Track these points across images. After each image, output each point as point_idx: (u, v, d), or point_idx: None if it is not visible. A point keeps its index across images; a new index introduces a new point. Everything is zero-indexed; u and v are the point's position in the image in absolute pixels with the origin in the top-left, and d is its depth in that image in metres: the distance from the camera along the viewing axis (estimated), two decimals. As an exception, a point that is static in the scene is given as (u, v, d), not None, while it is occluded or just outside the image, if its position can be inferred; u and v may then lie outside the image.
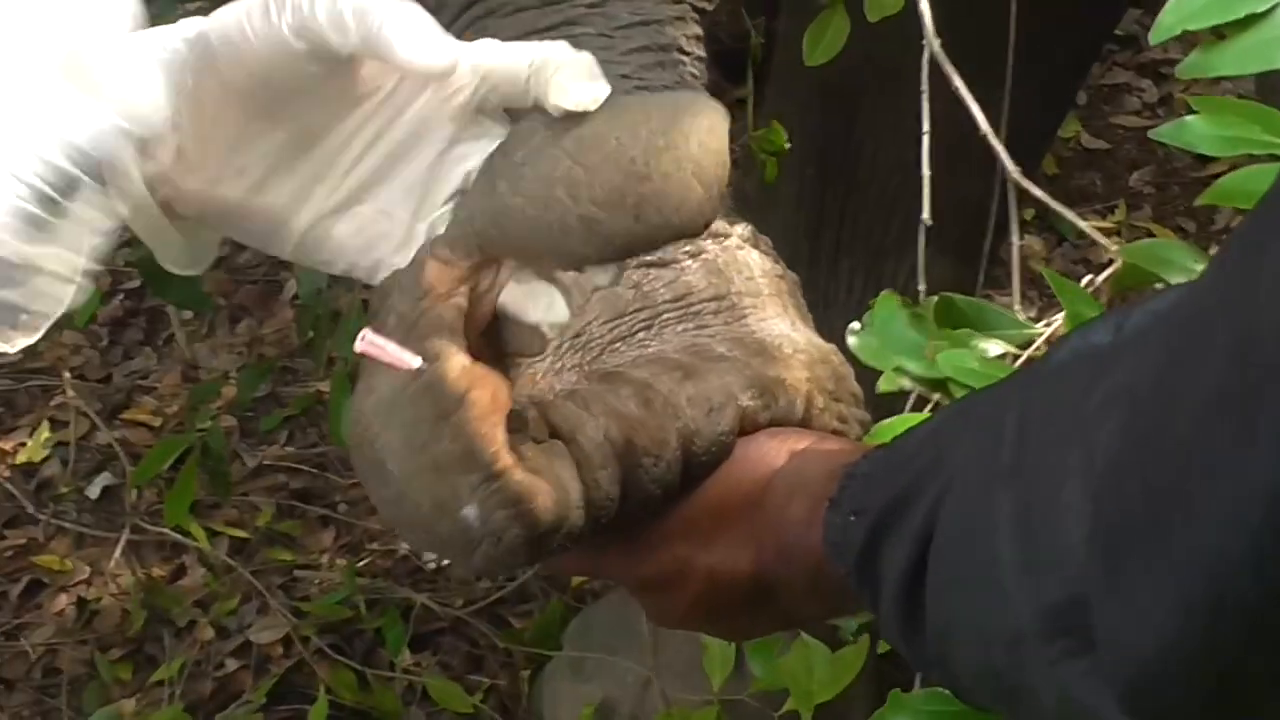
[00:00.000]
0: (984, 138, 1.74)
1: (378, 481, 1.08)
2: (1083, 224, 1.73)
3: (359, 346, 1.04)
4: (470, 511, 1.04)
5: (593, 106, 1.07)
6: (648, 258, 1.22)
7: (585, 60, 1.10)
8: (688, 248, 1.24)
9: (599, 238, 1.07)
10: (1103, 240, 1.56)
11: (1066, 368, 0.93)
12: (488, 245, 1.09)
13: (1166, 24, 1.26)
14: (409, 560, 3.64)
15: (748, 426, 1.15)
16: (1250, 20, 1.21)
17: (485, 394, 1.04)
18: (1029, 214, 3.81)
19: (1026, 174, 1.75)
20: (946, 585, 0.96)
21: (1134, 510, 0.81)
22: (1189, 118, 1.31)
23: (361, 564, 3.66)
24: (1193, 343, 0.80)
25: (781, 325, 1.22)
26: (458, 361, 1.05)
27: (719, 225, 1.27)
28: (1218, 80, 2.71)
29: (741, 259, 1.24)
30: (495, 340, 1.15)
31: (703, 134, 1.06)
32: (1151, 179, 4.15)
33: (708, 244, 1.24)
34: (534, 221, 1.07)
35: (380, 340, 1.05)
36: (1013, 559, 0.89)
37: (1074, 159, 4.24)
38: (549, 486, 1.06)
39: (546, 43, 1.11)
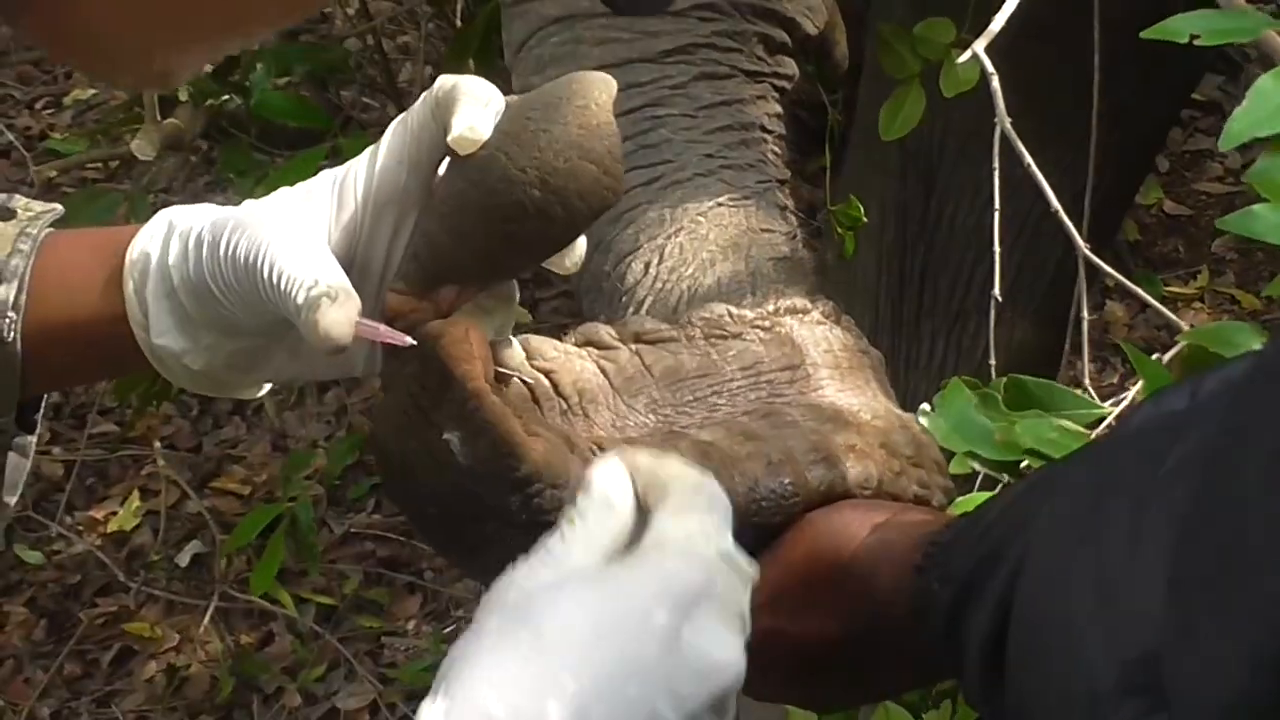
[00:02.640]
0: (1063, 198, 1.76)
1: (385, 468, 1.15)
2: (1151, 301, 1.75)
3: (358, 330, 1.08)
4: (451, 436, 1.09)
5: (476, 135, 1.10)
6: (716, 330, 1.25)
7: (473, 88, 1.12)
8: (760, 322, 1.27)
9: (518, 247, 1.12)
10: (1171, 316, 1.58)
11: (1143, 433, 0.95)
12: (432, 275, 1.13)
13: (1236, 131, 1.29)
14: (494, 627, 3.66)
15: (825, 494, 1.18)
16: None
17: (467, 346, 1.09)
18: (1111, 280, 3.81)
19: (1106, 240, 1.77)
20: (1026, 647, 0.98)
21: (1206, 567, 0.83)
22: (1256, 207, 1.33)
23: (447, 630, 3.69)
24: (1260, 403, 0.82)
25: (860, 397, 1.24)
26: (437, 325, 1.11)
27: (799, 302, 1.30)
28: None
29: (820, 334, 1.27)
30: None
31: (579, 116, 1.09)
32: (1234, 245, 4.14)
33: (785, 318, 1.27)
34: (457, 250, 1.11)
35: (372, 323, 1.10)
36: (1090, 619, 0.91)
37: (1156, 225, 4.24)
38: (543, 438, 1.11)
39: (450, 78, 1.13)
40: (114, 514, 4.08)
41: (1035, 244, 2.68)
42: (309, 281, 1.08)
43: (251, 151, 2.88)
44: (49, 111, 4.93)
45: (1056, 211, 1.67)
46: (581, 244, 1.16)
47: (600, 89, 1.11)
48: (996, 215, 1.76)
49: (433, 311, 1.12)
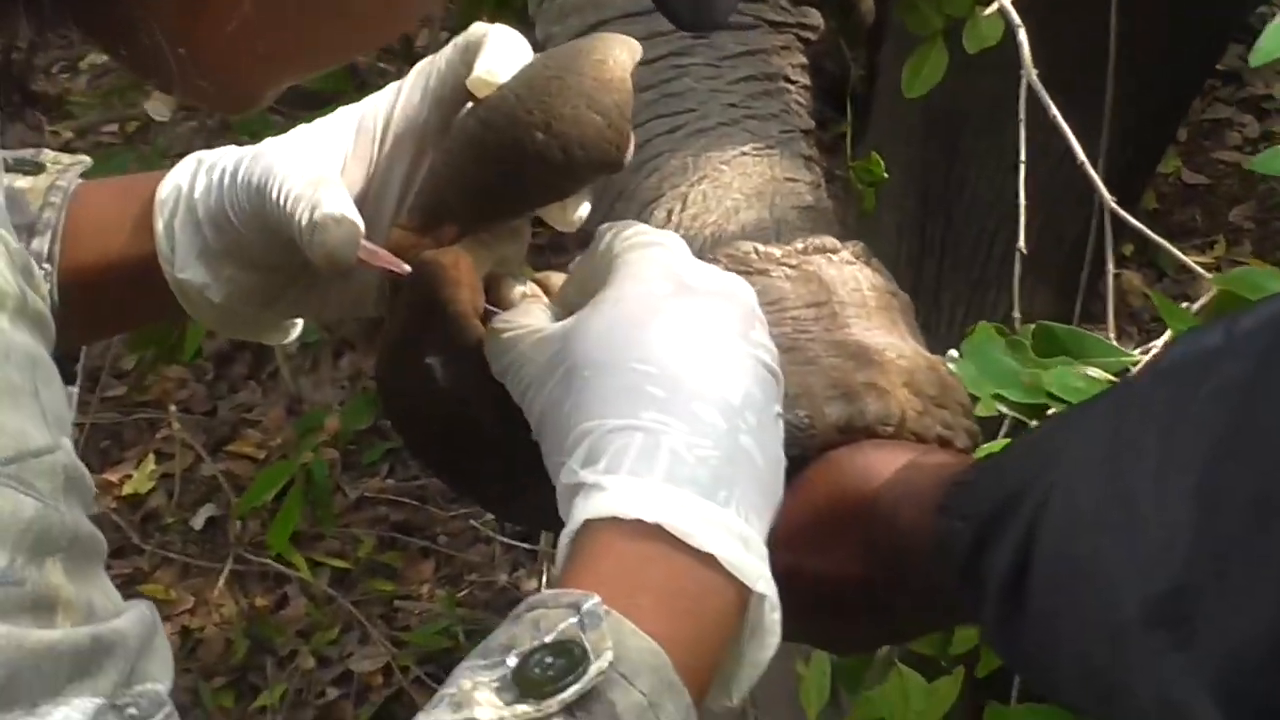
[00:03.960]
0: (1083, 169, 1.76)
1: (381, 396, 1.17)
2: (1181, 256, 1.74)
3: (361, 254, 1.10)
4: (434, 360, 1.11)
5: (493, 78, 1.11)
6: (741, 266, 1.26)
7: (502, 36, 1.13)
8: (787, 260, 1.27)
9: (517, 188, 1.13)
10: (1200, 270, 1.57)
11: (1177, 368, 0.94)
12: (434, 211, 1.14)
13: (1266, 49, 1.28)
14: (508, 591, 3.67)
15: (844, 429, 1.18)
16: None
17: (455, 273, 1.11)
18: (1128, 249, 3.81)
19: (1126, 208, 1.76)
20: (1051, 583, 0.98)
21: (1238, 499, 0.83)
22: (1280, 147, 1.32)
23: (461, 595, 3.70)
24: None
25: (886, 336, 1.24)
26: (430, 253, 1.12)
27: (828, 241, 1.30)
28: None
29: (849, 273, 1.27)
30: None
31: (595, 69, 1.10)
32: (1252, 214, 4.14)
33: (813, 257, 1.27)
34: (458, 186, 1.13)
35: (373, 247, 1.12)
36: (1117, 551, 0.91)
37: (1174, 194, 4.24)
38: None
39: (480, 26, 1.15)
40: (129, 477, 4.09)
41: (1056, 213, 2.68)
42: (314, 203, 1.10)
43: (268, 113, 2.88)
44: (65, 75, 4.93)
45: (1081, 164, 1.66)
46: (584, 202, 1.17)
47: (621, 48, 1.12)
48: (1022, 169, 1.75)
49: (433, 246, 1.12)
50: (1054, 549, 0.98)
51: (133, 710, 0.80)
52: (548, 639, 0.90)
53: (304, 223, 1.09)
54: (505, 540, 3.76)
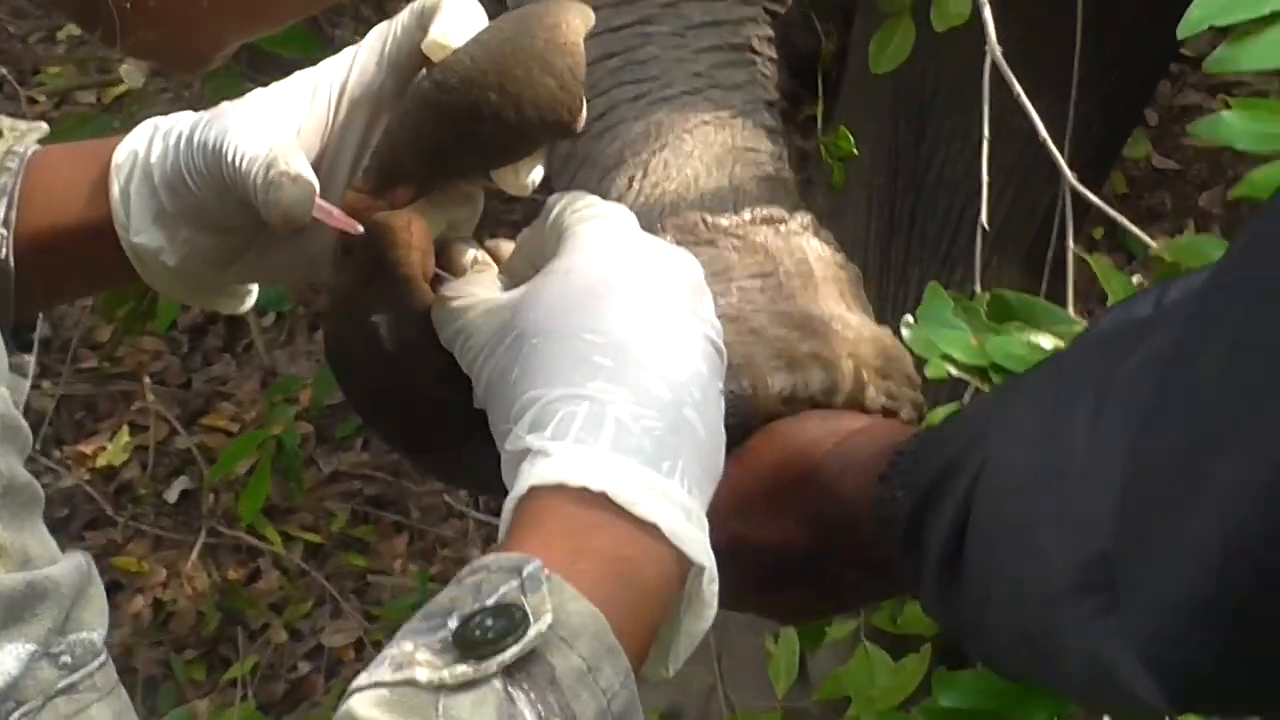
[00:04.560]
0: (1046, 146, 1.77)
1: (328, 354, 1.18)
2: (1146, 237, 1.75)
3: (315, 213, 1.12)
4: (380, 319, 1.12)
5: (447, 41, 1.13)
6: (689, 236, 1.27)
7: (458, 2, 1.15)
8: (735, 230, 1.29)
9: (471, 149, 1.14)
10: (1152, 243, 1.58)
11: (1108, 336, 0.96)
12: (389, 173, 1.15)
13: (1195, 19, 1.29)
14: (480, 566, 3.68)
15: (787, 399, 1.19)
16: (1276, 17, 1.24)
17: (405, 235, 1.12)
18: (1098, 233, 3.82)
19: (1093, 189, 1.77)
20: (985, 547, 0.99)
21: (1161, 465, 0.84)
22: (1225, 113, 1.33)
23: (434, 570, 3.71)
24: (1218, 303, 0.83)
25: (833, 307, 1.25)
26: (382, 214, 1.13)
27: (775, 212, 1.31)
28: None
29: (796, 244, 1.28)
30: None
31: (549, 32, 1.11)
32: (1221, 200, 4.15)
33: (760, 227, 1.28)
34: (414, 147, 1.14)
35: (328, 206, 1.13)
36: (1048, 517, 0.92)
37: (1144, 179, 4.25)
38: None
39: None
40: (103, 449, 4.09)
41: (1023, 192, 2.70)
42: (269, 161, 1.11)
43: (242, 80, 2.88)
44: (42, 45, 4.93)
45: (1044, 143, 1.67)
46: (537, 166, 1.17)
47: (576, 14, 1.13)
48: (985, 145, 1.77)
49: (387, 208, 1.14)
50: (989, 516, 1.00)
51: (66, 658, 0.81)
52: (489, 602, 0.91)
53: (259, 181, 1.10)
54: (478, 515, 3.77)
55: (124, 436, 4.10)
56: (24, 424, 0.85)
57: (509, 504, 0.98)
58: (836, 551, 1.17)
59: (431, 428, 1.17)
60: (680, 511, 0.98)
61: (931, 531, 1.05)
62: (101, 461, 4.08)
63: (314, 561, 3.81)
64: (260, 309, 3.88)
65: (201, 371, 4.28)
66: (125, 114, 3.41)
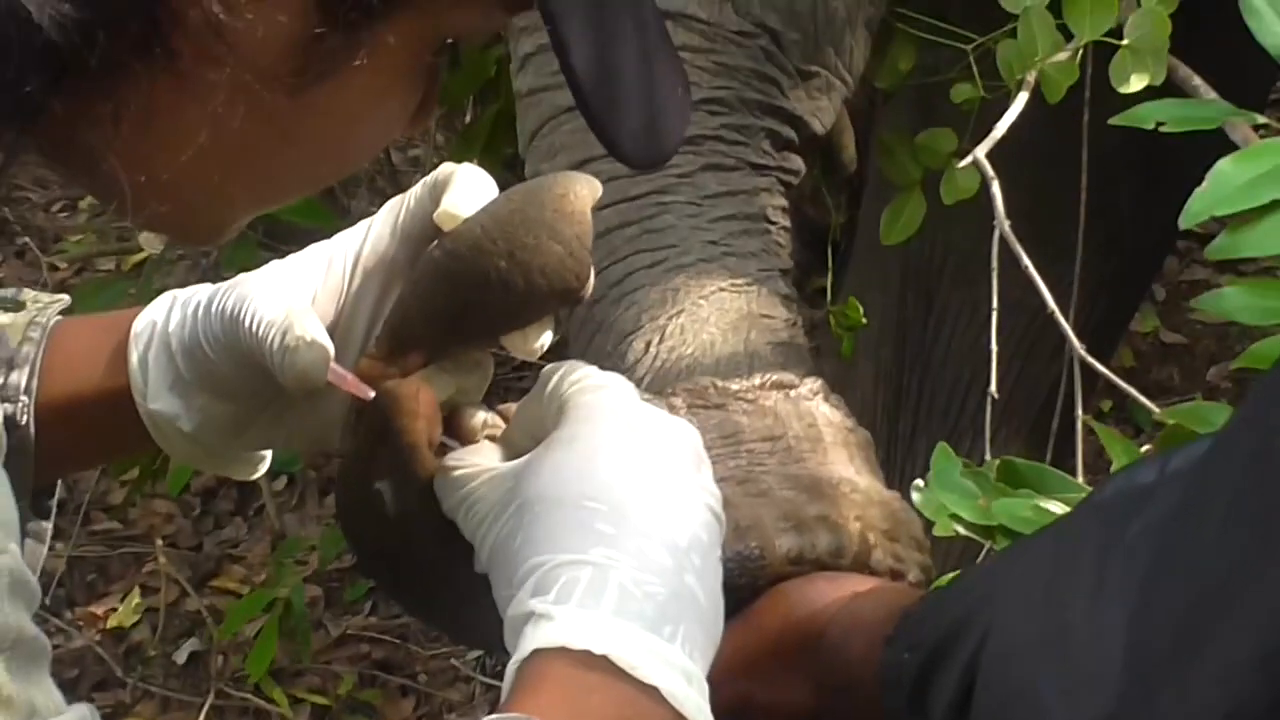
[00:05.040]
0: (1054, 317, 1.79)
1: (339, 518, 1.21)
2: (1152, 406, 1.77)
3: (330, 377, 1.14)
4: (383, 485, 1.14)
5: (457, 211, 1.16)
6: (699, 400, 1.30)
7: (468, 175, 1.18)
8: (745, 394, 1.31)
9: (480, 316, 1.16)
10: (1157, 411, 1.60)
11: (1111, 503, 0.98)
12: (401, 340, 1.17)
13: (1195, 210, 1.33)
14: (487, 732, 3.67)
15: (795, 561, 1.21)
16: (1275, 205, 1.27)
17: (411, 403, 1.14)
18: (1106, 405, 3.83)
19: (1101, 362, 1.79)
20: (990, 712, 1.01)
21: (1163, 628, 0.86)
22: (1227, 289, 1.36)
23: (440, 734, 3.71)
24: (1217, 473, 0.86)
25: (841, 470, 1.28)
26: (391, 382, 1.15)
27: (785, 377, 1.34)
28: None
29: (805, 408, 1.31)
30: None
31: (557, 202, 1.14)
32: (1229, 374, 4.17)
33: (770, 392, 1.31)
34: (425, 314, 1.16)
35: (342, 371, 1.16)
36: (1051, 681, 0.94)
37: (1152, 353, 4.28)
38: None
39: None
40: (114, 610, 4.09)
41: (1029, 365, 2.71)
42: (285, 327, 1.14)
43: (258, 249, 2.93)
44: (64, 214, 4.99)
45: (1053, 313, 1.69)
46: (546, 331, 1.19)
47: (583, 184, 1.16)
48: (994, 315, 1.79)
49: (399, 374, 1.16)
50: (994, 679, 1.01)
51: None
52: None
53: (275, 345, 1.13)
54: (485, 680, 3.77)
55: (135, 598, 4.10)
56: (33, 580, 0.87)
57: (511, 666, 1.00)
58: (842, 713, 1.19)
59: (435, 590, 1.19)
60: (681, 675, 1.00)
61: (938, 694, 1.07)
62: (112, 623, 4.08)
63: (321, 725, 3.80)
64: (272, 472, 3.90)
65: (213, 534, 4.29)
66: (144, 280, 3.46)
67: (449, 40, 1.07)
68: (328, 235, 1.24)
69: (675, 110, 1.11)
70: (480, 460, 1.13)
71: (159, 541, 4.16)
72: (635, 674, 0.98)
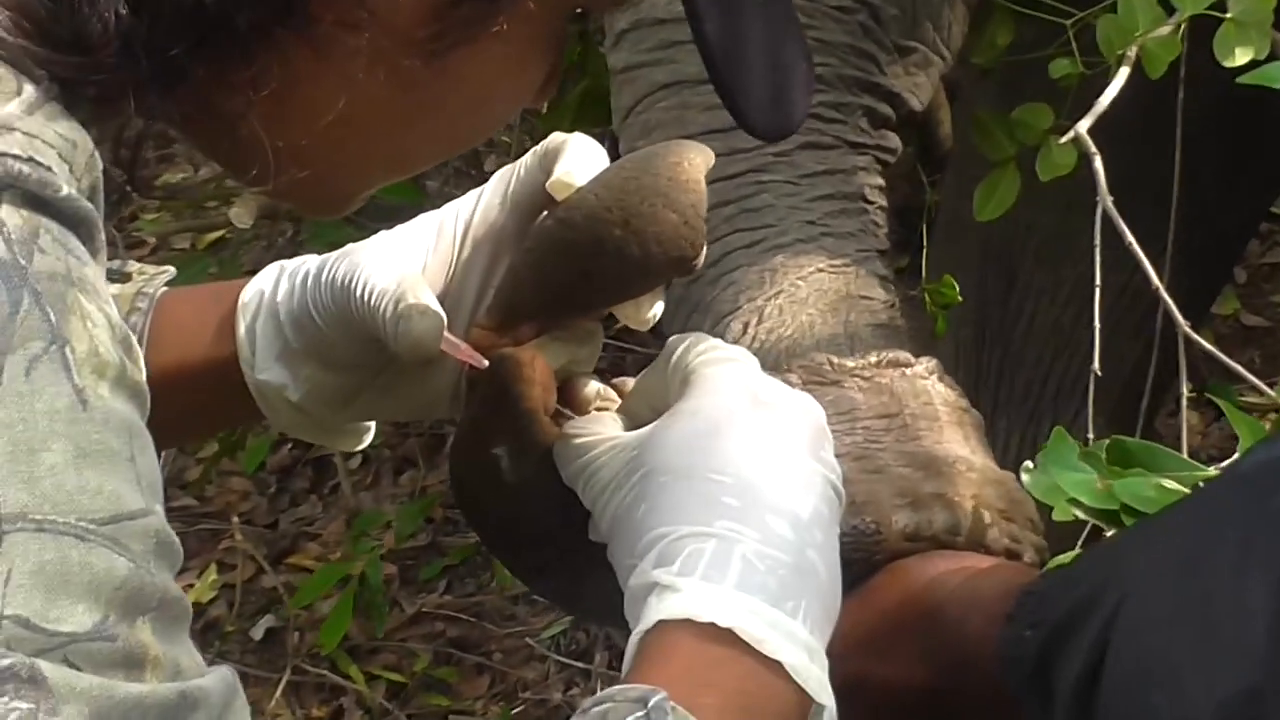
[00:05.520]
0: (1142, 302, 1.78)
1: (455, 489, 1.21)
2: (1257, 383, 1.76)
3: (443, 346, 1.14)
4: (501, 452, 1.14)
5: (571, 180, 1.15)
6: (815, 377, 1.29)
7: (580, 144, 1.18)
8: (860, 371, 1.31)
9: (594, 285, 1.16)
10: (1270, 391, 1.58)
11: (1255, 472, 0.97)
12: (513, 310, 1.17)
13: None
14: (561, 709, 3.68)
15: (911, 538, 1.21)
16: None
17: (529, 370, 1.14)
18: (1188, 388, 3.80)
19: (1186, 343, 1.78)
20: (1123, 687, 1.00)
21: None
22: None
23: (515, 711, 3.71)
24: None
25: (957, 449, 1.27)
26: (506, 350, 1.16)
27: (901, 355, 1.34)
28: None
29: (921, 386, 1.31)
30: None
31: (671, 170, 1.13)
32: (1312, 355, 4.15)
33: (886, 370, 1.31)
34: (537, 284, 1.16)
35: (455, 339, 1.16)
36: (1191, 652, 0.93)
37: (1233, 335, 4.24)
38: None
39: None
40: (191, 586, 4.11)
41: (1113, 345, 2.69)
42: (399, 295, 1.14)
43: (343, 224, 2.93)
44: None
45: (1156, 289, 1.68)
46: (659, 301, 1.20)
47: (697, 152, 1.16)
48: (1097, 293, 1.77)
49: (511, 344, 1.16)
50: (1127, 653, 1.00)
51: None
52: None
53: (389, 314, 1.14)
54: (559, 659, 3.78)
55: (211, 574, 4.12)
56: (176, 541, 0.87)
57: (635, 637, 1.00)
58: (958, 691, 1.19)
59: (548, 557, 1.19)
60: (804, 651, 1.00)
61: (1062, 671, 1.06)
62: (190, 599, 4.09)
63: (396, 701, 3.80)
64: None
65: (289, 512, 4.30)
66: (222, 258, 3.47)
67: (579, 9, 1.07)
68: (412, 213, 1.24)
69: (800, 82, 1.10)
70: (603, 430, 1.13)
71: (235, 519, 4.18)
72: (761, 648, 0.98)
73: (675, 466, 1.05)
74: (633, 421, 1.14)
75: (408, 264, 1.19)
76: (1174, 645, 0.94)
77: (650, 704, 0.94)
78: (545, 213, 1.18)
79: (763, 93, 1.08)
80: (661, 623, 0.99)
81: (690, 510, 1.03)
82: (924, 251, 2.33)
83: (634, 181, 1.14)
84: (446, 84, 1.02)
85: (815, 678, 0.99)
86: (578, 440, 1.12)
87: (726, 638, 0.98)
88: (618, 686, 0.97)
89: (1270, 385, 3.94)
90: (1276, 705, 0.87)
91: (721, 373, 1.11)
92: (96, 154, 0.91)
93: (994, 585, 1.17)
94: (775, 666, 0.98)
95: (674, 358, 1.14)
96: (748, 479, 1.03)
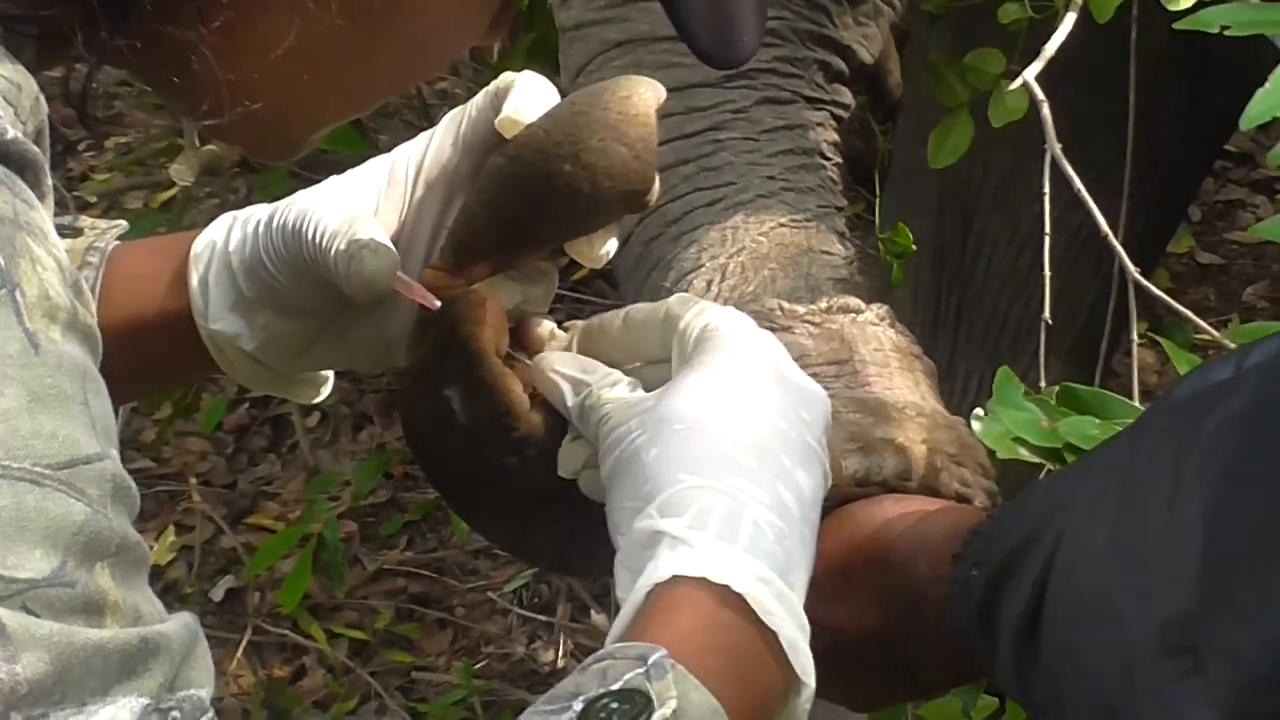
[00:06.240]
0: (1099, 242, 1.78)
1: (405, 431, 1.21)
2: (1203, 325, 1.76)
3: (396, 284, 1.14)
4: (452, 393, 1.14)
5: (520, 117, 1.14)
6: (765, 323, 1.28)
7: (530, 81, 1.17)
8: (811, 317, 1.30)
9: (545, 222, 1.16)
10: (1214, 334, 1.58)
11: (1187, 400, 0.97)
12: (466, 250, 1.17)
13: (1256, 112, 1.31)
14: (525, 663, 3.68)
15: (861, 483, 1.20)
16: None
17: (479, 311, 1.14)
18: (1142, 328, 3.81)
19: (1136, 290, 1.78)
20: (1063, 620, 1.00)
21: (1244, 522, 0.85)
22: (1282, 214, 1.35)
23: (478, 666, 3.71)
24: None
25: (907, 395, 1.27)
26: (458, 291, 1.15)
27: (852, 302, 1.33)
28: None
29: (872, 333, 1.30)
30: None
31: (620, 104, 1.13)
32: (1266, 293, 4.16)
33: (836, 316, 1.30)
34: (490, 222, 1.16)
35: (408, 279, 1.15)
36: (1127, 581, 0.93)
37: (1188, 274, 4.26)
38: (543, 405, 1.15)
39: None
40: (150, 548, 4.10)
41: (1070, 287, 2.70)
42: (349, 234, 1.13)
43: (290, 179, 2.91)
44: (90, 154, 4.98)
45: (1105, 235, 1.68)
46: (611, 238, 1.19)
47: (647, 86, 1.15)
48: (1047, 240, 1.77)
49: (464, 285, 1.16)
50: (1066, 586, 1.00)
51: (176, 713, 0.83)
52: (614, 686, 0.92)
53: (340, 254, 1.13)
54: (522, 612, 3.78)
55: (170, 536, 4.11)
56: (133, 486, 0.86)
57: (644, 584, 0.99)
58: (909, 635, 1.18)
59: (500, 499, 1.19)
60: (799, 629, 1.00)
61: (1006, 608, 1.06)
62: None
63: (359, 659, 3.80)
64: (304, 408, 3.91)
65: (247, 471, 4.29)
66: (176, 214, 3.45)
67: None
68: (358, 162, 1.23)
69: (751, 10, 1.10)
70: (597, 370, 1.13)
71: (193, 479, 4.17)
72: (768, 620, 0.98)
73: (694, 417, 1.04)
74: (620, 362, 1.15)
75: (358, 206, 1.18)
76: (1110, 577, 0.94)
77: (650, 660, 0.93)
78: (498, 150, 1.17)
79: (707, 16, 1.08)
80: (676, 577, 0.98)
81: (704, 462, 1.02)
82: (877, 201, 2.32)
83: (583, 116, 1.13)
84: (397, 15, 1.02)
85: (805, 656, 0.99)
86: (586, 377, 1.13)
87: (735, 602, 0.97)
88: (616, 644, 0.96)
89: (1224, 323, 3.97)
90: (1209, 625, 0.87)
91: (749, 339, 1.10)
92: (41, 97, 0.91)
93: (942, 527, 1.17)
94: (771, 639, 0.98)
95: (687, 317, 1.12)
96: (766, 444, 1.03)
